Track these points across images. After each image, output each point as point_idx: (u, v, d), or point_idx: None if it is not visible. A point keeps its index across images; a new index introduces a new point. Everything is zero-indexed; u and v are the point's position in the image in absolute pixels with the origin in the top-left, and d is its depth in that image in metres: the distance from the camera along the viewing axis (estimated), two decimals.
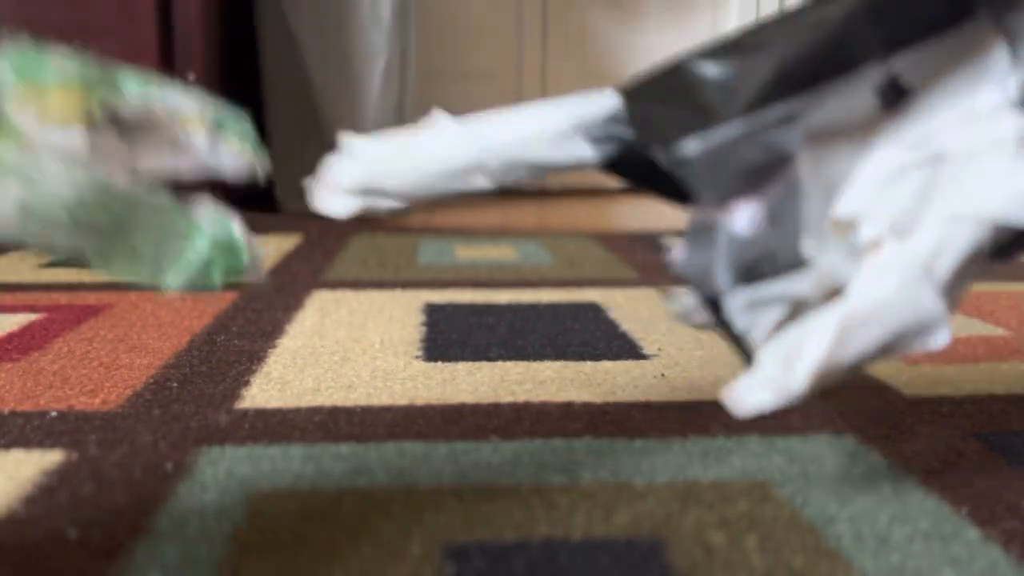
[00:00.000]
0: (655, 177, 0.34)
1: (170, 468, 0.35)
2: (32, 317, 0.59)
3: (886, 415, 0.42)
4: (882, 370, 0.50)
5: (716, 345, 0.54)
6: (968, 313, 0.64)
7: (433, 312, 0.63)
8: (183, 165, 0.26)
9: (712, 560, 0.29)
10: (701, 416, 0.42)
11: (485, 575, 0.28)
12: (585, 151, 0.34)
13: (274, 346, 0.53)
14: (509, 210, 1.41)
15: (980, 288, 0.73)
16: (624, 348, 0.54)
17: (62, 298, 0.65)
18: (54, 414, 0.41)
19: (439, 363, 0.50)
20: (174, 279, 0.25)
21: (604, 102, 0.34)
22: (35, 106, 0.24)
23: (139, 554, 0.29)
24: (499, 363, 0.50)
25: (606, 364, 0.50)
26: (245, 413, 0.41)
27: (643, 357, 0.52)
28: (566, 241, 0.99)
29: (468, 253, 0.90)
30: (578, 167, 0.35)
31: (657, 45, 1.71)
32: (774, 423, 0.41)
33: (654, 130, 0.33)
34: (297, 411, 0.42)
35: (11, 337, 0.54)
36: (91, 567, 0.28)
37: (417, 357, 0.51)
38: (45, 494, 0.33)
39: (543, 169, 0.35)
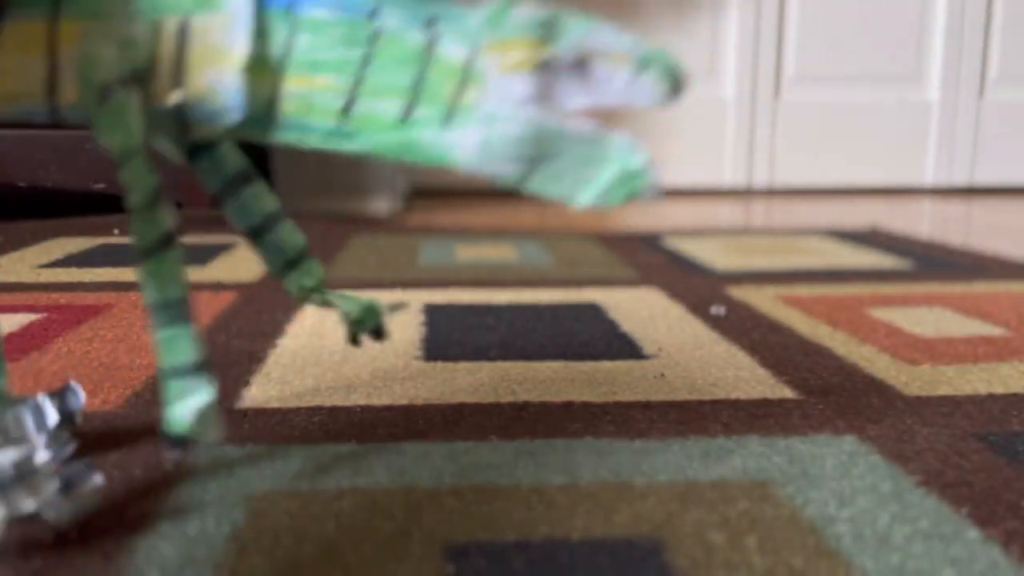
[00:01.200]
0: None
1: (170, 467, 0.35)
2: (32, 317, 0.59)
3: (886, 415, 0.42)
4: (882, 370, 0.50)
5: (716, 345, 0.54)
6: (968, 313, 0.64)
7: (433, 312, 0.63)
8: (601, 99, 0.29)
9: (712, 560, 0.29)
10: (701, 416, 0.42)
11: (485, 575, 0.28)
12: None
13: (274, 346, 0.53)
14: (509, 210, 1.41)
15: (980, 288, 0.73)
16: (624, 348, 0.54)
17: (62, 298, 0.65)
18: None
19: (439, 363, 0.50)
20: (584, 198, 0.29)
21: None
22: (497, 57, 0.29)
23: (139, 554, 0.29)
24: (499, 363, 0.50)
25: (606, 364, 0.50)
26: (245, 413, 0.41)
27: (643, 357, 0.52)
28: (566, 241, 0.99)
29: (468, 253, 0.90)
30: None
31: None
32: (774, 423, 0.41)
33: None
34: (297, 411, 0.42)
35: (11, 337, 0.54)
36: (91, 567, 0.28)
37: (417, 357, 0.51)
38: None
39: None
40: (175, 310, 0.31)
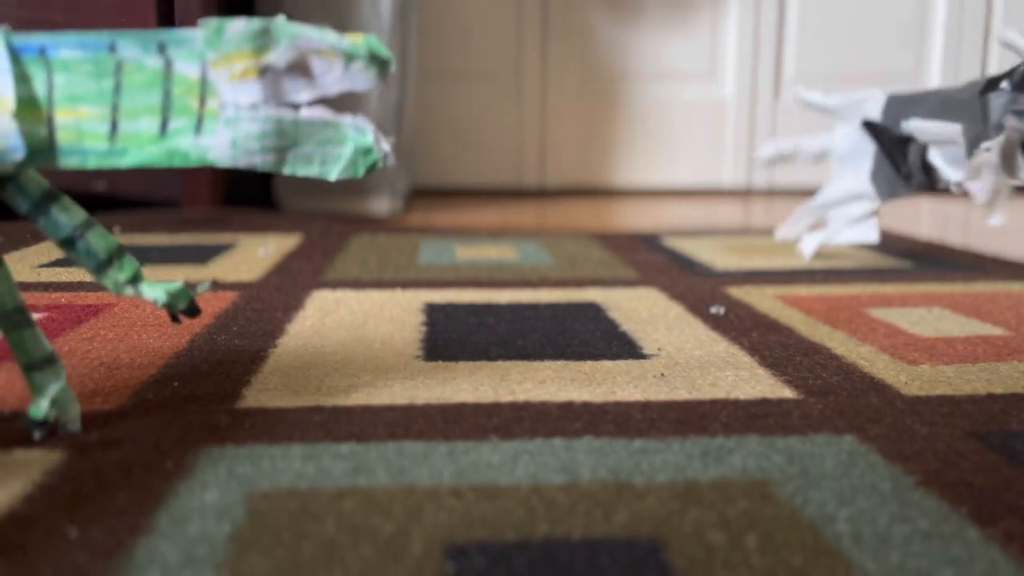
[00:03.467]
0: None
1: (170, 467, 0.35)
2: (32, 317, 0.59)
3: (885, 415, 0.42)
4: (882, 370, 0.50)
5: (716, 345, 0.55)
6: (967, 313, 0.64)
7: (433, 312, 0.63)
8: (324, 90, 0.34)
9: (712, 560, 0.29)
10: (701, 416, 0.42)
11: (485, 575, 0.28)
12: None
13: (274, 346, 0.53)
14: (509, 210, 1.41)
15: (979, 288, 0.73)
16: (624, 348, 0.54)
17: (62, 298, 0.65)
18: None
19: (439, 363, 0.50)
20: (333, 173, 0.35)
21: None
22: (224, 69, 0.33)
23: (139, 553, 0.29)
24: (499, 363, 0.50)
25: (606, 364, 0.50)
26: (246, 412, 0.42)
27: (643, 357, 0.52)
28: (566, 241, 0.99)
29: (468, 253, 0.90)
30: None
31: (657, 45, 1.71)
32: (774, 423, 0.41)
33: None
34: (297, 411, 0.42)
35: None
36: (92, 566, 0.28)
37: (417, 357, 0.51)
38: (46, 493, 0.33)
39: None
40: (15, 317, 0.37)
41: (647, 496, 0.33)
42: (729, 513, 0.32)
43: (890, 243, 1.00)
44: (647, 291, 0.71)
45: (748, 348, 0.54)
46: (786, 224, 0.90)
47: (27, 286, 0.70)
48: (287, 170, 0.35)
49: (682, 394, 0.45)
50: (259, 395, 0.44)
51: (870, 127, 0.77)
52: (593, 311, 0.64)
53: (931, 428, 0.41)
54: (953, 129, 0.64)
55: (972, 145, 0.66)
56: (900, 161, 0.74)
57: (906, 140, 0.73)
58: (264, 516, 0.31)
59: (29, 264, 0.80)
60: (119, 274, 0.38)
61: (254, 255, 0.87)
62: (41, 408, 0.38)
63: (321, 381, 0.46)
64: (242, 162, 0.34)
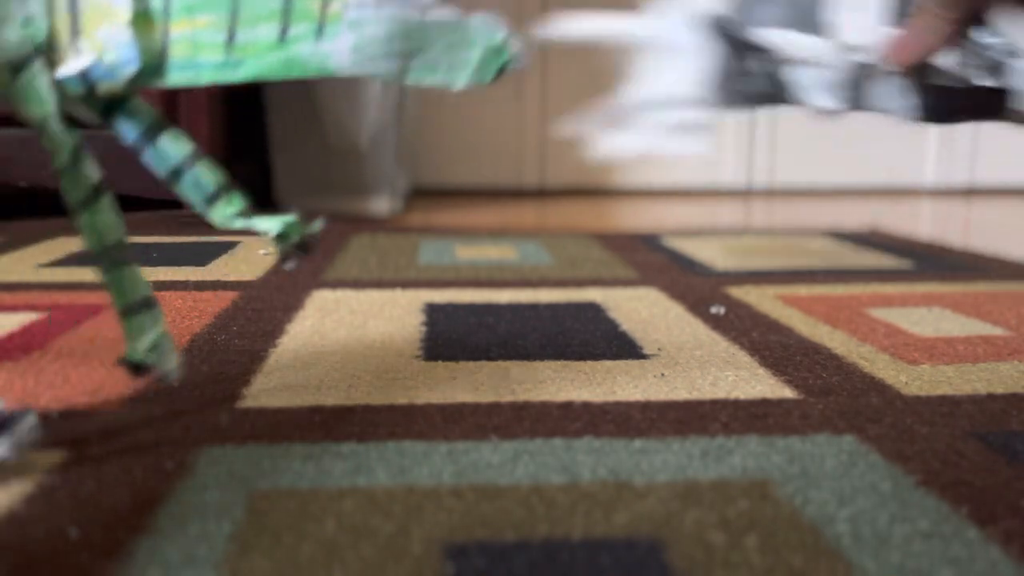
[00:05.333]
0: None
1: (170, 467, 0.35)
2: (32, 317, 0.59)
3: (886, 415, 0.42)
4: (882, 370, 0.50)
5: (716, 345, 0.55)
6: (968, 313, 0.64)
7: (433, 312, 0.63)
8: None
9: (712, 560, 0.29)
10: (701, 416, 0.42)
11: (485, 575, 0.28)
12: None
13: (274, 346, 0.53)
14: (509, 210, 1.41)
15: (980, 288, 0.73)
16: (624, 348, 0.54)
17: (62, 298, 0.65)
18: (55, 414, 0.41)
19: (439, 363, 0.50)
20: (460, 80, 0.32)
21: None
22: None
23: (140, 553, 0.29)
24: (499, 363, 0.50)
25: (606, 364, 0.50)
26: (246, 412, 0.42)
27: (643, 357, 0.52)
28: (566, 241, 0.99)
29: (468, 253, 0.90)
30: None
31: None
32: (774, 423, 0.41)
33: None
34: (297, 411, 0.42)
35: (11, 337, 0.54)
36: (92, 566, 0.28)
37: (417, 357, 0.51)
38: (46, 493, 0.33)
39: None
40: (115, 254, 0.35)
41: (647, 496, 0.33)
42: (729, 513, 0.32)
43: (890, 243, 1.00)
44: (647, 291, 0.71)
45: (748, 348, 0.54)
46: (577, 119, 0.74)
47: (27, 286, 0.70)
48: (411, 79, 0.33)
49: (682, 394, 0.45)
50: (259, 395, 0.44)
51: (715, 23, 0.60)
52: (593, 311, 0.63)
53: (931, 428, 0.41)
54: (827, 48, 0.51)
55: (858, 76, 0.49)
56: (741, 70, 0.58)
57: (754, 46, 0.58)
58: (264, 516, 0.31)
59: (29, 264, 0.80)
60: (228, 207, 0.37)
61: (255, 255, 0.87)
62: (138, 350, 0.36)
63: (321, 381, 0.46)
64: (364, 68, 0.32)
